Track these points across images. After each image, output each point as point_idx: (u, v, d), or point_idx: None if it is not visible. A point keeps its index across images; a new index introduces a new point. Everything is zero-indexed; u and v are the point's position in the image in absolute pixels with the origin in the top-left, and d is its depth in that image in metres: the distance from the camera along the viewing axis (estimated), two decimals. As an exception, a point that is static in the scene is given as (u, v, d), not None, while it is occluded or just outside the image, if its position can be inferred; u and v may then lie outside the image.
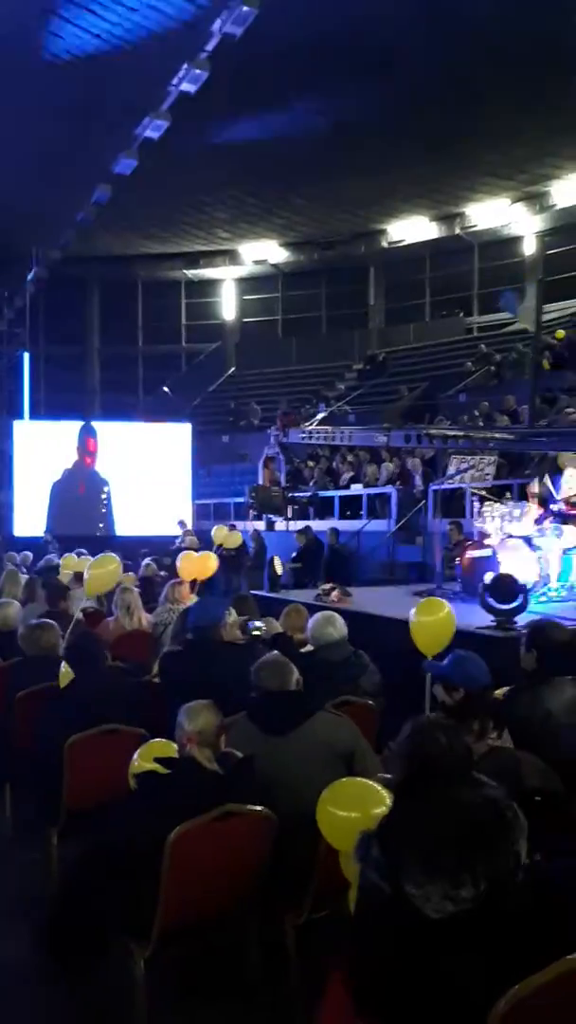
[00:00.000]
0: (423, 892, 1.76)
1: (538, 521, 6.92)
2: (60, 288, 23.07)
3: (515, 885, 1.80)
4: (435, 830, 1.83)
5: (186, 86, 13.50)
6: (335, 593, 7.08)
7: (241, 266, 25.69)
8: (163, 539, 13.85)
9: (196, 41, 13.02)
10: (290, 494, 9.44)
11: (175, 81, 13.64)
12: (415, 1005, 1.78)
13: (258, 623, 4.78)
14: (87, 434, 17.83)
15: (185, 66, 13.30)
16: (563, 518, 6.90)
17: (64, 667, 3.90)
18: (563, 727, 3.12)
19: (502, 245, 22.96)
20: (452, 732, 2.06)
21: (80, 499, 17.34)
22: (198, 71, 13.14)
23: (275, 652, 3.55)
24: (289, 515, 9.38)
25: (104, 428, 18.37)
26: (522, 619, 5.03)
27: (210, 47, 12.81)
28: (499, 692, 3.37)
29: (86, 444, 17.69)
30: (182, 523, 15.16)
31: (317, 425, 10.71)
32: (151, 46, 13.78)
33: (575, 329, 16.03)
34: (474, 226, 22.38)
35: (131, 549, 12.02)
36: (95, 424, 18.43)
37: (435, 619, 4.43)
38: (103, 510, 17.43)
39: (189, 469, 18.20)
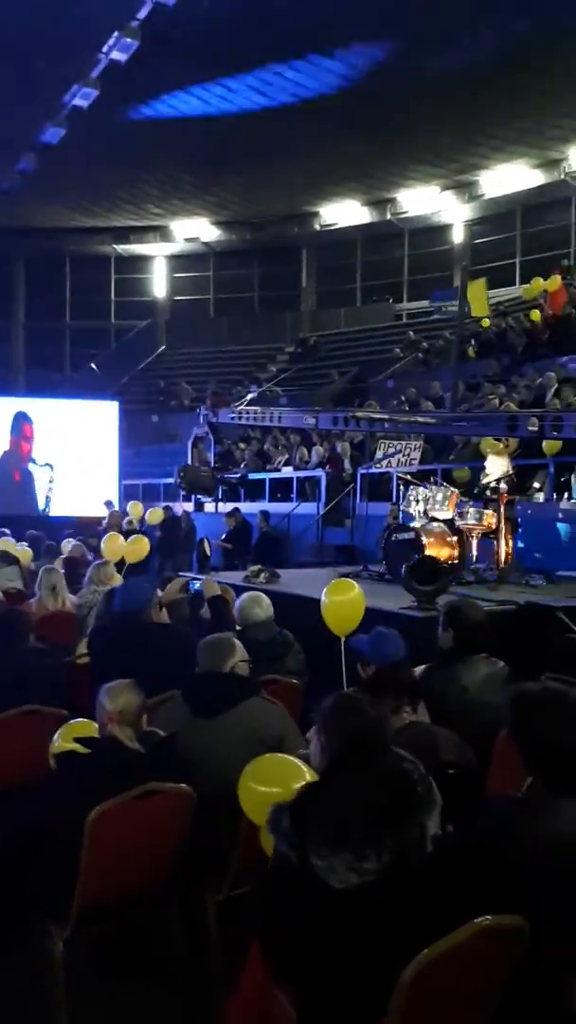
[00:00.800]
0: (327, 863, 1.80)
1: (460, 505, 7.10)
2: (-18, 260, 22.32)
3: (422, 857, 1.86)
4: (343, 803, 1.87)
5: (116, 54, 13.17)
6: (263, 575, 7.12)
7: (172, 243, 25.31)
8: (89, 520, 13.63)
9: (127, 8, 12.70)
10: (220, 475, 9.39)
11: (105, 49, 13.28)
12: (326, 972, 1.82)
13: (197, 583, 4.78)
14: (23, 420, 17.32)
15: (116, 34, 12.96)
16: (484, 503, 7.10)
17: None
18: (477, 703, 3.23)
19: (432, 233, 23.28)
20: (369, 707, 2.10)
21: (16, 486, 16.91)
22: (129, 40, 12.83)
23: (224, 634, 3.47)
24: (219, 496, 9.33)
25: (29, 405, 17.87)
26: (443, 600, 5.16)
27: (141, 15, 12.52)
28: (418, 669, 3.46)
29: (22, 430, 17.19)
30: (109, 503, 14.93)
31: (247, 406, 10.68)
32: (80, 11, 13.36)
33: (501, 318, 16.38)
34: (405, 212, 22.60)
35: (58, 530, 11.82)
36: (21, 401, 17.92)
37: (345, 599, 4.52)
38: (47, 495, 17.04)
39: (116, 448, 17.91)
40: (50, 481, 17.03)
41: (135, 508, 11.01)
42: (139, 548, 7.97)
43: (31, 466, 17.08)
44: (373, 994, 1.73)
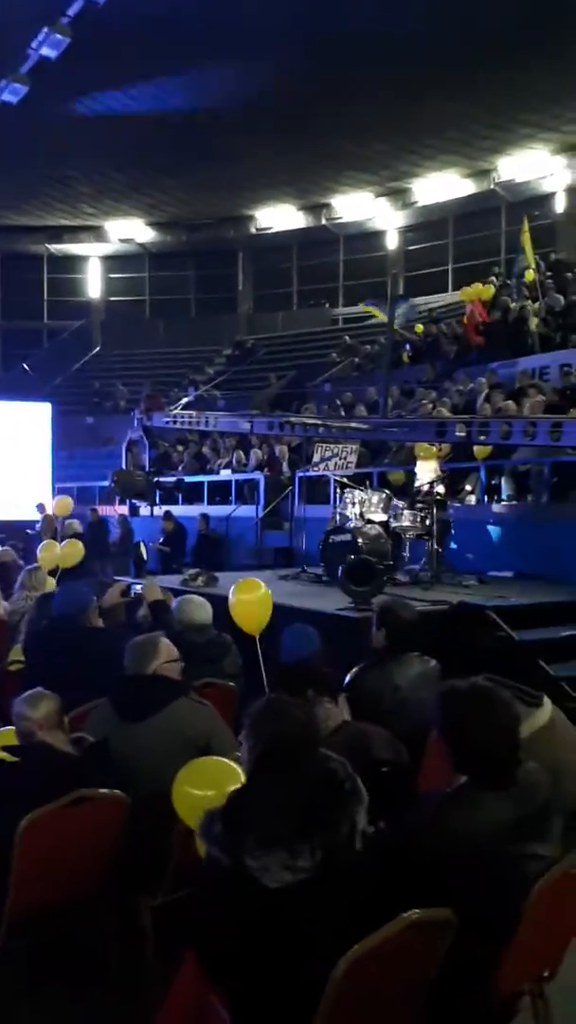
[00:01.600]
0: (261, 863, 1.82)
1: (394, 508, 7.21)
2: None
3: (352, 853, 1.88)
4: (274, 803, 1.89)
5: (46, 51, 12.96)
6: (201, 578, 7.09)
7: (107, 243, 24.99)
8: (20, 524, 13.32)
9: (57, 5, 12.52)
10: (155, 479, 9.31)
11: (34, 44, 13.06)
12: (259, 972, 1.84)
13: (138, 586, 4.73)
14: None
15: (45, 30, 12.76)
16: (416, 505, 7.23)
17: None
18: (409, 701, 3.29)
19: (366, 239, 23.58)
20: (296, 709, 2.10)
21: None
22: (59, 36, 12.63)
23: (151, 634, 3.39)
24: (156, 500, 9.25)
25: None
26: (377, 601, 5.24)
27: (72, 12, 12.35)
28: (353, 669, 3.52)
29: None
30: (41, 507, 14.62)
31: (182, 409, 10.63)
32: (8, 6, 13.10)
33: (433, 324, 16.70)
34: (339, 218, 22.84)
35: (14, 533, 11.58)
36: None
37: (253, 597, 4.56)
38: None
39: (49, 451, 17.57)
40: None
41: (61, 504, 10.71)
42: (73, 553, 7.84)
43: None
44: (306, 992, 1.75)
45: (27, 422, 17.57)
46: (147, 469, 8.49)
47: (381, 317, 16.47)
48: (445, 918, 1.81)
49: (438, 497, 7.14)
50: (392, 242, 23.27)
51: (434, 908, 1.80)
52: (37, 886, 2.52)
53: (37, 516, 12.76)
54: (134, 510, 8.72)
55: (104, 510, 13.84)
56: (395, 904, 1.80)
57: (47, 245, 25.09)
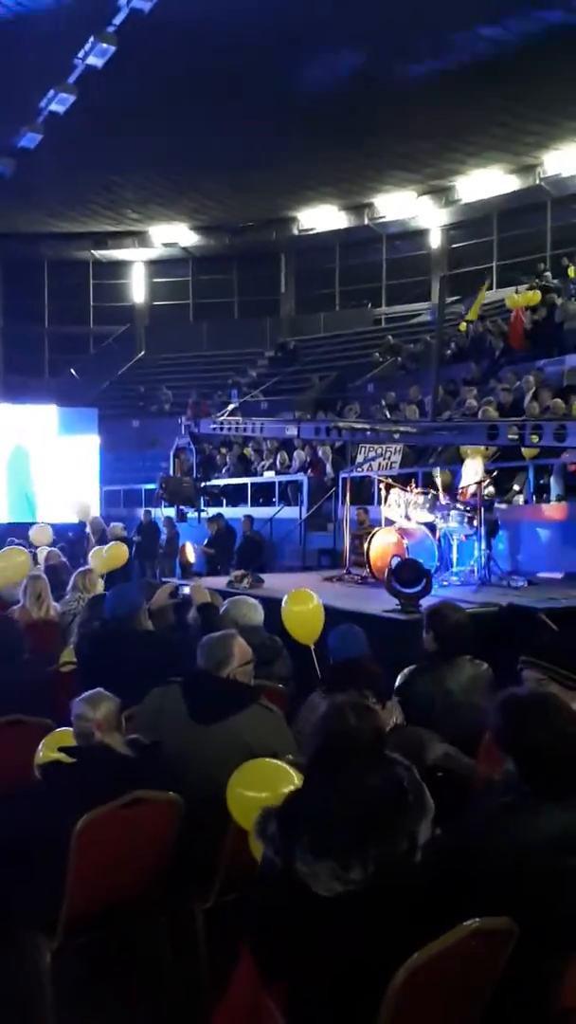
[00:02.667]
0: (312, 870, 1.79)
1: (441, 508, 7.13)
2: (-40, 265, 22.14)
3: (410, 867, 1.84)
4: (330, 811, 1.86)
5: (93, 60, 13.16)
6: (247, 580, 7.12)
7: (151, 248, 25.25)
8: (63, 527, 13.53)
9: (103, 14, 12.70)
10: (201, 484, 9.40)
11: (81, 54, 13.27)
12: (313, 976, 1.82)
13: (186, 588, 4.77)
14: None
15: (91, 39, 12.95)
16: (464, 506, 7.15)
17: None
18: (462, 705, 3.25)
19: (409, 238, 23.41)
20: (362, 712, 2.06)
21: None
22: (105, 45, 12.82)
23: (227, 632, 3.26)
24: (202, 506, 9.35)
25: (7, 412, 17.76)
26: (426, 602, 5.19)
27: (118, 21, 12.52)
28: (403, 672, 3.49)
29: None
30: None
31: (228, 416, 10.68)
32: (56, 16, 13.34)
33: (479, 322, 16.50)
34: (382, 217, 22.71)
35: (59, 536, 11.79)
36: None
37: (305, 609, 4.59)
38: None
39: (97, 455, 17.85)
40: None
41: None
42: (119, 555, 7.96)
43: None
44: (362, 1000, 1.74)
45: (76, 427, 17.89)
46: (194, 475, 8.58)
47: (473, 315, 16.20)
48: (506, 928, 1.78)
49: (485, 497, 7.05)
50: (435, 241, 23.07)
51: (495, 917, 1.77)
52: (94, 886, 2.55)
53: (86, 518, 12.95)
54: (181, 515, 8.80)
55: (152, 512, 13.99)
56: (453, 914, 1.78)
57: (92, 251, 25.45)
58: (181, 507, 8.48)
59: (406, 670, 3.56)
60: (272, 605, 4.84)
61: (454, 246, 23.03)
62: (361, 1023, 1.72)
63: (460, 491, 7.41)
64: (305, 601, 4.65)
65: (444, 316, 10.54)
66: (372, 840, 1.81)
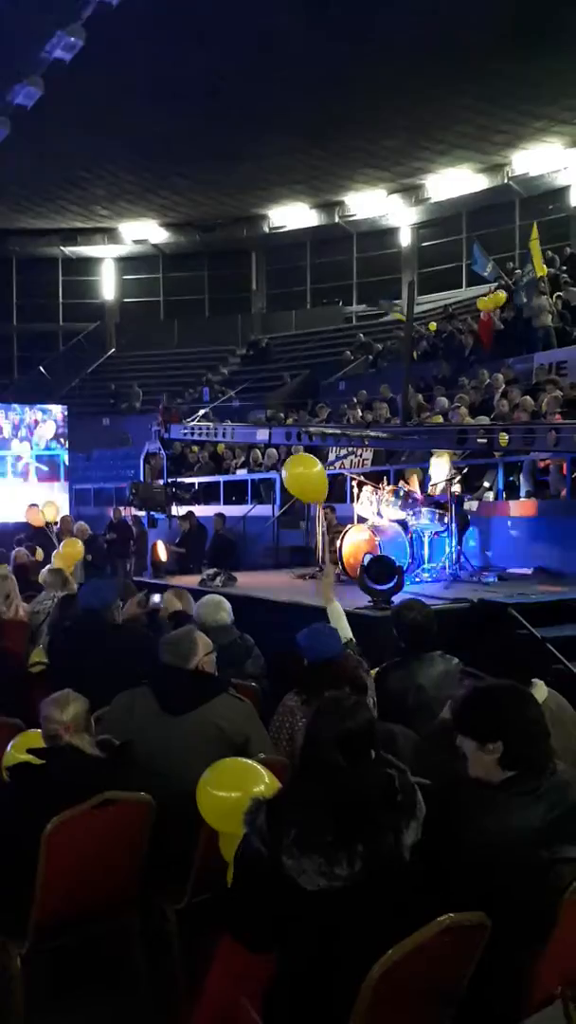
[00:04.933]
0: (298, 865, 1.80)
1: (413, 505, 7.17)
2: None
3: (398, 866, 1.84)
4: (318, 807, 1.86)
5: (60, 53, 13.01)
6: (219, 578, 7.09)
7: (121, 245, 25.06)
8: (12, 526, 13.34)
9: (71, 6, 12.56)
10: (173, 489, 9.37)
11: (48, 48, 13.11)
12: (293, 969, 1.82)
13: (156, 598, 4.73)
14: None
15: (59, 33, 12.80)
16: (434, 503, 7.19)
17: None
18: (433, 700, 3.27)
19: (379, 236, 23.48)
20: (360, 710, 2.06)
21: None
22: (72, 39, 12.68)
23: (185, 627, 3.36)
24: (173, 512, 9.34)
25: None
26: (397, 599, 5.21)
27: (86, 14, 12.39)
28: (375, 670, 3.50)
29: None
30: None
31: (200, 419, 10.63)
32: (22, 9, 13.15)
33: (448, 320, 16.62)
34: (353, 215, 22.76)
35: (8, 536, 11.60)
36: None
37: (310, 471, 4.94)
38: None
39: (66, 453, 17.67)
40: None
41: (50, 508, 10.78)
42: (73, 553, 7.92)
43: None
44: (338, 994, 1.74)
45: (44, 424, 17.67)
46: (165, 480, 8.55)
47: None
48: (479, 922, 1.79)
49: (454, 494, 7.10)
50: (406, 239, 23.18)
51: (468, 912, 1.78)
52: (64, 889, 2.52)
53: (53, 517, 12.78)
54: (152, 522, 8.80)
55: (125, 512, 13.86)
56: (430, 908, 1.78)
57: (62, 248, 25.19)
58: (152, 513, 8.46)
59: (378, 667, 3.57)
60: (244, 603, 4.83)
61: (424, 244, 23.16)
62: (337, 1020, 1.72)
63: (430, 487, 7.46)
64: (308, 465, 4.82)
65: (413, 316, 10.62)
66: (358, 838, 1.82)
